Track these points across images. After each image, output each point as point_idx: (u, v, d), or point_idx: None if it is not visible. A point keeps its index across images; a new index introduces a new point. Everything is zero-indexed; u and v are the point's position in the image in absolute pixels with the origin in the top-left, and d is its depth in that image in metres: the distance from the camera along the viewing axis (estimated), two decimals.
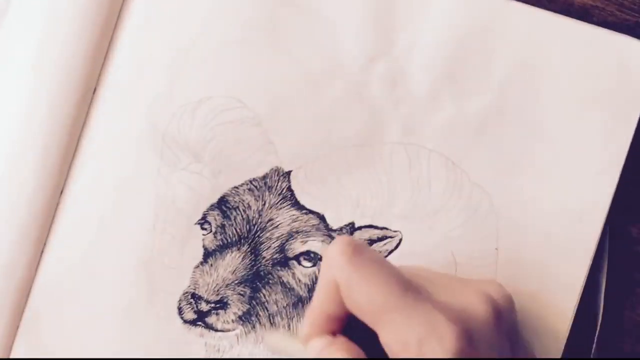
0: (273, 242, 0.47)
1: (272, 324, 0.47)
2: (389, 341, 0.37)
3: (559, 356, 0.45)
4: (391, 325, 0.37)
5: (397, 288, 0.37)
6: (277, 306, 0.47)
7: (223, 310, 0.46)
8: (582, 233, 0.46)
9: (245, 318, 0.46)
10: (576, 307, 0.45)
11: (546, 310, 0.46)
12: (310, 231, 0.47)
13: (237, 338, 0.47)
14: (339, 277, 0.38)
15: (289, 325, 0.47)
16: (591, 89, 0.47)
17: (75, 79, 0.47)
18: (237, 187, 0.47)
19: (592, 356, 0.46)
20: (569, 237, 0.46)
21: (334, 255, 0.38)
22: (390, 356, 0.37)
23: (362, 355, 0.38)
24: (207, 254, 0.47)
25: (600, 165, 0.46)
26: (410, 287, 0.38)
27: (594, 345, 0.46)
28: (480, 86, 0.47)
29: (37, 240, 0.47)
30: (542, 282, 0.46)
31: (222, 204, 0.47)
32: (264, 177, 0.47)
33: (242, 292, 0.46)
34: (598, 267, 0.46)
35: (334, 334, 0.39)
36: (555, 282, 0.46)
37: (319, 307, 0.40)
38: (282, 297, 0.47)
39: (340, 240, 0.38)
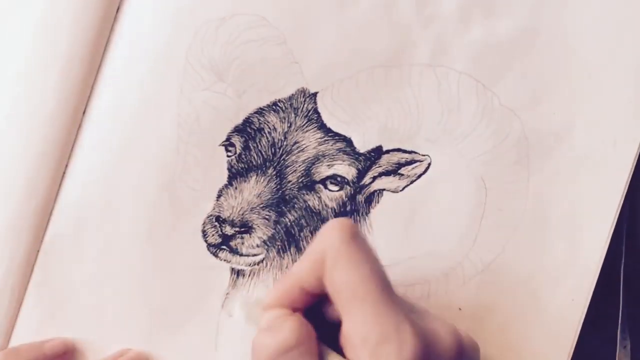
0: (299, 166, 0.46)
1: (297, 248, 0.46)
2: (350, 331, 0.36)
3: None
4: (359, 315, 0.36)
5: (380, 283, 0.37)
6: (303, 231, 0.46)
7: (248, 234, 0.45)
8: (615, 158, 0.45)
9: (270, 242, 0.46)
10: (610, 235, 0.45)
11: (576, 242, 0.45)
12: (336, 154, 0.46)
13: (263, 263, 0.46)
14: (329, 250, 0.37)
15: None
16: (628, 11, 0.45)
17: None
18: (262, 108, 0.46)
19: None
20: (602, 162, 0.45)
21: (334, 230, 0.38)
22: (345, 349, 0.37)
23: (312, 336, 0.37)
24: (232, 177, 0.46)
25: (634, 90, 0.45)
26: (389, 287, 0.37)
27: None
28: (513, 6, 0.46)
29: (59, 161, 0.46)
30: (573, 207, 0.45)
31: (247, 126, 0.46)
32: (290, 98, 0.46)
33: (267, 216, 0.45)
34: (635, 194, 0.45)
35: (294, 312, 0.39)
36: (586, 207, 0.45)
37: (295, 276, 0.38)
38: (307, 221, 0.46)
39: (342, 220, 0.38)
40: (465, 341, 0.39)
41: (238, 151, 0.46)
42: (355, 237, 0.37)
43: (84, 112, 0.46)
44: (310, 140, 0.46)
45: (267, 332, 0.37)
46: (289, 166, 0.46)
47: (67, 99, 0.46)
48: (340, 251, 0.37)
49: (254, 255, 0.46)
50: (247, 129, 0.46)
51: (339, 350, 0.37)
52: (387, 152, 0.46)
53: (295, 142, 0.46)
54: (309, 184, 0.46)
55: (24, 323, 0.46)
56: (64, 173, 0.46)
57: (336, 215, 0.46)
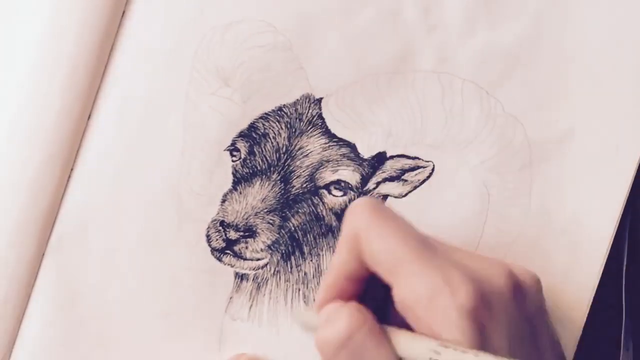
0: (303, 171, 0.46)
1: (301, 253, 0.46)
2: (401, 296, 0.36)
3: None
4: (406, 277, 0.36)
5: (416, 241, 0.37)
6: (307, 236, 0.46)
7: (252, 239, 0.45)
8: (617, 164, 0.45)
9: (274, 247, 0.46)
10: (612, 239, 0.45)
11: (578, 246, 0.45)
12: (341, 160, 0.46)
13: (267, 267, 0.46)
14: (360, 228, 0.37)
15: (317, 255, 0.46)
16: (629, 18, 0.46)
17: (103, 3, 0.46)
18: (267, 114, 0.46)
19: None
20: (604, 167, 0.45)
21: (358, 209, 0.38)
22: (403, 315, 0.36)
23: (371, 317, 0.37)
24: (236, 182, 0.46)
25: (636, 95, 0.45)
26: (427, 243, 0.38)
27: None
28: (516, 13, 0.46)
29: (64, 165, 0.46)
30: (576, 213, 0.45)
31: (252, 131, 0.46)
32: (295, 104, 0.46)
33: (271, 221, 0.45)
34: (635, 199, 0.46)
35: (348, 300, 0.38)
36: (589, 213, 0.45)
37: (336, 267, 0.39)
38: (311, 226, 0.46)
39: (362, 198, 0.39)
40: (521, 277, 0.38)
41: (243, 156, 0.46)
42: (379, 208, 0.38)
43: (89, 117, 0.47)
44: (314, 146, 0.46)
45: (324, 326, 0.37)
46: (293, 171, 0.46)
47: (72, 103, 0.46)
48: (370, 225, 0.37)
49: (258, 259, 0.46)
50: (252, 134, 0.46)
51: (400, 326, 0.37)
52: (391, 158, 0.46)
53: (300, 148, 0.46)
54: (313, 189, 0.46)
55: (29, 325, 0.46)
56: (70, 177, 0.47)
57: (339, 220, 0.46)
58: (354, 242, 0.38)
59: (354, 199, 0.46)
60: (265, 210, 0.46)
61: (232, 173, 0.46)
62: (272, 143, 0.46)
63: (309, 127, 0.46)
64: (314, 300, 0.46)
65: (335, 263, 0.39)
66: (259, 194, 0.46)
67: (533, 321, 0.39)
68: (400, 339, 0.36)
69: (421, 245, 0.37)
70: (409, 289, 0.36)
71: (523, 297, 0.38)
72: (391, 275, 0.37)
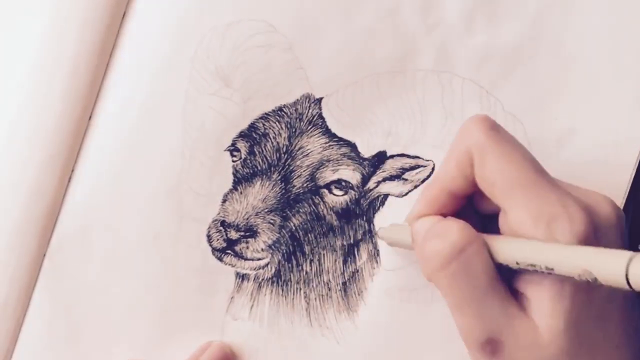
0: (303, 170, 0.46)
1: (302, 253, 0.46)
2: (517, 218, 0.36)
3: None
4: (524, 200, 0.36)
5: (534, 166, 0.37)
6: (308, 235, 0.46)
7: (253, 239, 0.46)
8: (617, 162, 0.45)
9: (275, 247, 0.46)
10: None
11: None
12: (341, 159, 0.46)
13: (267, 267, 0.46)
14: (476, 145, 0.37)
15: (318, 254, 0.46)
16: (628, 17, 0.46)
17: (103, 4, 0.46)
18: (267, 114, 0.46)
19: None
20: (604, 166, 0.45)
21: (473, 125, 0.38)
22: (516, 235, 0.37)
23: (475, 234, 0.37)
24: (237, 182, 0.46)
25: (636, 94, 0.45)
26: (543, 169, 0.38)
27: None
28: (515, 13, 0.46)
29: (65, 166, 0.46)
30: None
31: (252, 131, 0.46)
32: (295, 104, 0.46)
33: (272, 221, 0.46)
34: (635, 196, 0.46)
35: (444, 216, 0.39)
36: None
37: (441, 180, 0.39)
38: (312, 226, 0.46)
39: (479, 115, 0.38)
40: (622, 214, 0.39)
41: (243, 156, 0.46)
42: (496, 128, 0.38)
43: (90, 118, 0.47)
44: (314, 145, 0.46)
45: (434, 238, 0.37)
46: (293, 171, 0.46)
47: (73, 104, 0.46)
48: (487, 144, 0.37)
49: (259, 259, 0.46)
50: (253, 134, 0.46)
51: None
52: (392, 157, 0.46)
53: (300, 147, 0.46)
54: (314, 189, 0.46)
55: (31, 326, 0.46)
56: (70, 178, 0.47)
57: (340, 220, 0.46)
58: (465, 159, 0.38)
59: (355, 198, 0.46)
60: (266, 210, 0.46)
61: (233, 173, 0.46)
62: (272, 143, 0.46)
63: (309, 127, 0.46)
64: (314, 299, 0.46)
65: (441, 177, 0.39)
66: (260, 193, 0.46)
67: None
68: (504, 244, 0.37)
69: (538, 170, 0.37)
70: (526, 212, 0.36)
71: (623, 228, 0.39)
72: (505, 199, 0.37)
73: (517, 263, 0.36)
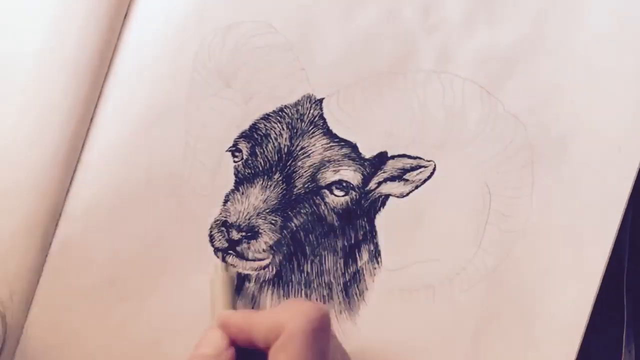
0: (305, 171, 0.46)
1: (303, 253, 0.46)
2: None
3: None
4: None
5: None
6: (309, 236, 0.46)
7: (254, 239, 0.46)
8: (619, 164, 0.45)
9: (276, 248, 0.46)
10: (614, 240, 0.45)
11: (580, 247, 0.45)
12: (342, 160, 0.46)
13: (268, 268, 0.46)
14: (287, 328, 0.37)
15: (319, 255, 0.46)
16: (631, 17, 0.46)
17: (105, 6, 0.46)
18: (268, 114, 0.46)
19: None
20: (606, 167, 0.45)
21: (300, 312, 0.38)
22: None
23: (223, 347, 0.40)
24: (238, 182, 0.46)
25: (637, 95, 0.45)
26: None
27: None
28: (517, 13, 0.46)
29: (67, 168, 0.46)
30: (577, 214, 0.45)
31: (254, 132, 0.46)
32: (296, 104, 0.46)
33: (273, 221, 0.46)
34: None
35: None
36: (590, 213, 0.45)
37: (251, 324, 0.39)
38: (313, 226, 0.46)
39: (316, 308, 0.38)
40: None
41: (245, 157, 0.46)
42: (318, 331, 0.38)
43: (91, 120, 0.47)
44: (316, 146, 0.46)
45: (198, 347, 0.40)
46: (295, 171, 0.46)
47: (74, 106, 0.46)
48: (296, 334, 0.37)
49: (260, 260, 0.46)
50: (254, 135, 0.46)
51: None
52: (392, 157, 0.46)
53: (301, 148, 0.46)
54: (315, 189, 0.46)
55: (33, 327, 0.46)
56: (72, 180, 0.47)
57: (341, 219, 0.46)
58: (275, 330, 0.38)
59: (356, 199, 0.46)
60: (267, 211, 0.46)
61: (234, 174, 0.46)
62: (273, 144, 0.46)
63: (311, 128, 0.46)
64: (316, 299, 0.46)
65: (254, 320, 0.39)
66: (261, 194, 0.46)
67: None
68: None
69: None
70: None
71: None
72: None
73: None
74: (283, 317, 0.38)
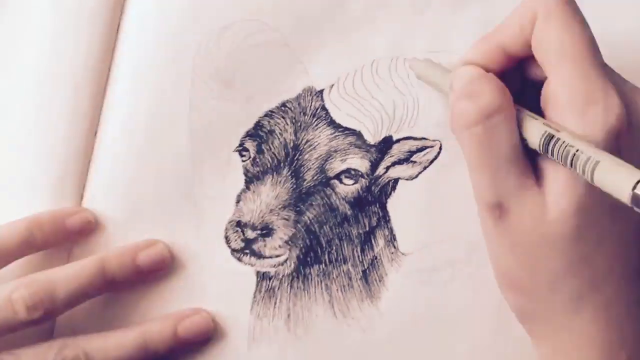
0: (312, 163, 0.46)
1: (319, 245, 0.46)
2: (556, 90, 0.36)
3: None
4: (568, 75, 0.36)
5: (591, 46, 0.37)
6: (323, 227, 0.46)
7: (269, 236, 0.46)
8: None
9: (292, 242, 0.46)
10: None
11: None
12: (348, 149, 0.46)
13: (287, 263, 0.46)
14: (544, 7, 0.37)
15: (335, 246, 0.46)
16: (631, 17, 0.46)
17: (99, 16, 0.46)
18: (271, 111, 0.47)
19: None
20: None
21: None
22: (545, 110, 0.37)
23: (507, 103, 0.37)
24: (248, 181, 0.46)
25: None
26: (600, 55, 0.37)
27: None
28: None
29: (76, 183, 0.46)
30: None
31: (258, 129, 0.47)
32: (297, 98, 0.47)
33: (286, 217, 0.46)
34: None
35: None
36: None
37: (499, 36, 0.39)
38: (326, 217, 0.46)
39: None
40: None
41: (252, 155, 0.47)
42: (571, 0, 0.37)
43: (95, 134, 0.47)
44: (321, 138, 0.46)
45: (465, 97, 0.37)
46: (303, 165, 0.46)
47: (77, 122, 0.46)
48: (555, 9, 0.37)
49: (277, 256, 0.46)
50: (259, 133, 0.47)
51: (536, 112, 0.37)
52: (398, 141, 0.46)
53: (307, 141, 0.46)
54: (324, 181, 0.46)
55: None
56: (82, 195, 0.47)
57: (354, 208, 0.46)
58: (528, 21, 0.37)
59: (365, 186, 0.46)
60: (280, 207, 0.46)
61: (244, 173, 0.47)
62: (279, 139, 0.46)
63: (314, 120, 0.46)
64: (336, 290, 0.46)
65: (499, 31, 0.39)
66: (272, 190, 0.46)
67: None
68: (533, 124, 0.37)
69: (593, 51, 0.37)
70: (567, 88, 0.36)
71: None
72: (552, 67, 0.37)
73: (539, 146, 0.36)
74: (527, 5, 0.37)
